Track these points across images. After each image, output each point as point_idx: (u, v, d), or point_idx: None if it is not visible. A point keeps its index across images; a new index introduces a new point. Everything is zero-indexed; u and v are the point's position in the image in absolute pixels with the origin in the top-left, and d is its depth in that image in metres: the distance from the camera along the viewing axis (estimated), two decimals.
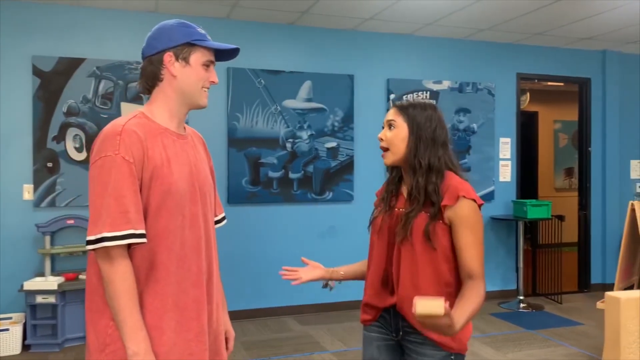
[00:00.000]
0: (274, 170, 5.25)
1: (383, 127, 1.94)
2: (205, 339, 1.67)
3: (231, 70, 5.08)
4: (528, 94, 8.39)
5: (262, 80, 5.20)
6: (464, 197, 1.78)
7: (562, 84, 7.19)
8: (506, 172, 6.11)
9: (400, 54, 5.73)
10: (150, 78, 1.67)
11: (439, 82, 5.81)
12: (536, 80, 6.92)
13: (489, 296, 5.85)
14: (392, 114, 1.92)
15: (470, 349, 1.94)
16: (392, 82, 5.64)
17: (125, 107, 4.81)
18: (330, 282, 2.09)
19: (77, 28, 4.76)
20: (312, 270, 2.08)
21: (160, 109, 1.67)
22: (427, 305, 1.57)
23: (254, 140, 5.18)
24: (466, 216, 1.78)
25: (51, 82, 4.65)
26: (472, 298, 1.72)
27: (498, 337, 4.71)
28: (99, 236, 1.47)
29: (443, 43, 5.86)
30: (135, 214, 1.51)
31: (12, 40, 4.58)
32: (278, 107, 5.25)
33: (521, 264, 5.87)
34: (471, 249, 1.77)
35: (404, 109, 1.90)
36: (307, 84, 5.34)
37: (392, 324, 1.89)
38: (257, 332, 4.85)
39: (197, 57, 1.66)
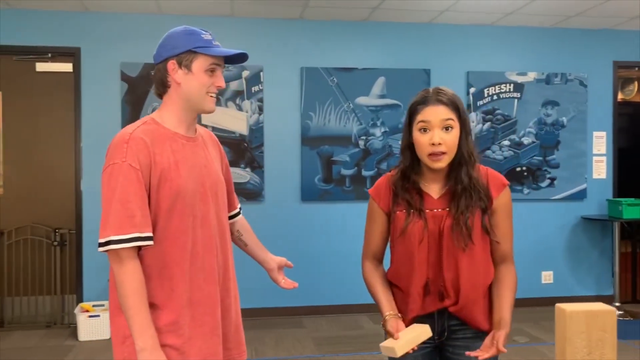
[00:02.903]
0: (346, 167, 5.25)
1: (426, 130, 1.71)
2: (219, 333, 1.73)
3: (304, 69, 5.15)
4: (636, 83, 7.67)
5: (334, 79, 5.21)
6: (505, 185, 1.83)
7: None
8: (601, 168, 5.66)
9: (480, 45, 5.48)
10: (159, 85, 1.74)
11: (524, 73, 5.49)
12: (637, 68, 6.32)
13: (582, 301, 5.44)
14: (446, 113, 1.70)
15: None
16: (472, 75, 5.42)
17: None
18: None
19: (160, 35, 5.03)
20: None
21: (169, 114, 1.73)
22: None
23: (326, 138, 5.21)
24: (507, 203, 1.82)
25: (137, 86, 4.99)
26: (509, 287, 1.80)
27: None
28: (106, 239, 1.56)
29: (527, 32, 5.53)
30: (142, 218, 1.57)
31: (103, 49, 4.96)
32: (351, 104, 5.24)
33: (617, 268, 5.40)
34: (509, 234, 1.83)
35: (454, 105, 1.73)
36: (381, 80, 5.28)
37: (438, 326, 1.82)
38: (329, 328, 4.89)
39: (200, 64, 1.69)
